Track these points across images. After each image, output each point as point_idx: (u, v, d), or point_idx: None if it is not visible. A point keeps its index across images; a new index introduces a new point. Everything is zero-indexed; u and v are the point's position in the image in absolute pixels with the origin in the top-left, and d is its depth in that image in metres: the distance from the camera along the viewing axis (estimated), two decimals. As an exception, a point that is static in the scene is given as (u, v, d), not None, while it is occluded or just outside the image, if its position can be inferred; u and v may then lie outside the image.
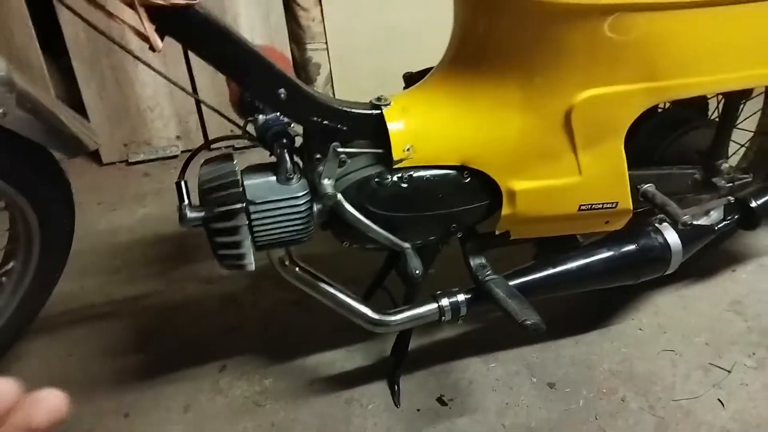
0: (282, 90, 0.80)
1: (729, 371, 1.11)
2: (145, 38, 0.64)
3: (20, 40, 1.72)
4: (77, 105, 1.77)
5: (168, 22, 0.68)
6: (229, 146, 1.81)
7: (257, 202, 0.84)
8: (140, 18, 0.62)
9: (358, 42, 2.00)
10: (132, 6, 0.62)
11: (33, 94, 0.81)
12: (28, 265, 1.02)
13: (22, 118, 0.79)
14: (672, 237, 1.04)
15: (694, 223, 1.07)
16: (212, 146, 1.67)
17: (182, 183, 0.89)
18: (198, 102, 1.93)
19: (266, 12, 1.89)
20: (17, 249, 1.01)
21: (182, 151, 1.97)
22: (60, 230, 1.01)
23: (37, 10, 1.74)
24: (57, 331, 1.25)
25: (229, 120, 0.97)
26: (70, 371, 1.16)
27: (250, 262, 0.87)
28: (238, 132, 0.98)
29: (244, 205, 0.84)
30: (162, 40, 0.66)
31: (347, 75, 2.03)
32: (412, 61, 1.10)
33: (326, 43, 1.98)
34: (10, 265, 1.02)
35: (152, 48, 0.64)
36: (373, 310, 0.99)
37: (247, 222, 0.85)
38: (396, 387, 1.09)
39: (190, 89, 1.89)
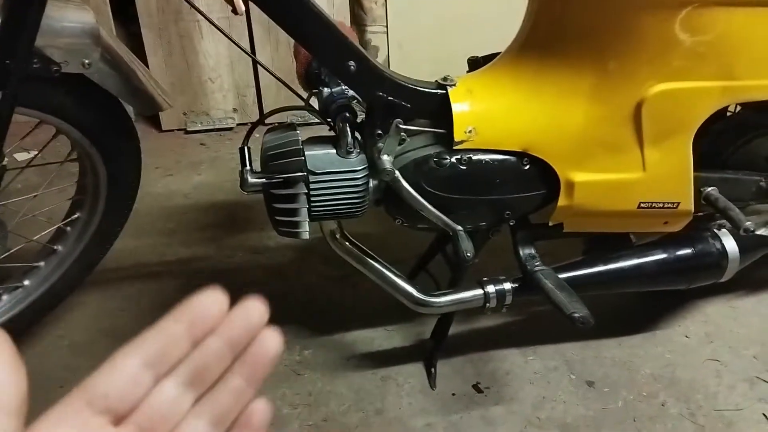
0: (352, 62, 0.82)
1: (777, 387, 1.08)
2: (229, 1, 0.65)
3: (94, 3, 1.78)
4: (142, 71, 1.82)
5: (251, -14, 0.69)
6: (282, 121, 1.84)
7: (317, 172, 0.86)
8: (227, -20, 0.64)
9: (417, 28, 2.00)
10: (219, -32, 0.64)
11: (115, 48, 0.84)
12: (92, 216, 1.06)
13: (104, 71, 0.82)
14: (730, 244, 1.01)
15: (756, 232, 1.04)
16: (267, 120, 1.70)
17: (245, 149, 0.91)
18: (256, 76, 1.96)
19: (332, -8, 1.91)
20: (84, 200, 1.05)
21: (237, 124, 2.01)
22: (126, 185, 1.05)
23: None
24: (110, 287, 1.30)
25: (294, 91, 0.98)
26: (120, 327, 1.20)
27: (305, 231, 0.89)
28: (299, 104, 0.99)
29: (305, 174, 0.86)
30: (245, 4, 0.68)
31: (405, 60, 2.03)
32: (470, 50, 1.10)
33: (386, 26, 1.99)
34: (76, 215, 1.06)
35: (235, 11, 0.66)
36: (418, 290, 0.99)
37: (306, 191, 0.87)
38: (433, 370, 1.10)
39: (251, 64, 1.93)
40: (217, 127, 1.99)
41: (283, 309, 1.25)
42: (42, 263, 1.09)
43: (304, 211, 0.88)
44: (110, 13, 1.81)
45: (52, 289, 1.11)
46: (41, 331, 1.17)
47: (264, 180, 0.87)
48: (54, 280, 1.10)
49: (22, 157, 1.50)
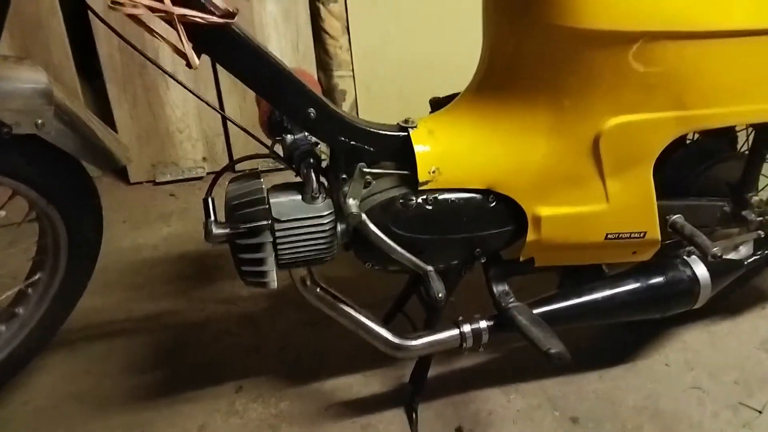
0: (312, 109, 0.82)
1: (760, 411, 1.07)
2: (182, 55, 0.65)
3: (57, 60, 1.77)
4: (108, 125, 1.81)
5: (205, 40, 0.70)
6: (254, 168, 1.83)
7: (282, 219, 0.85)
8: (179, 35, 0.64)
9: (383, 70, 2.03)
10: (171, 23, 0.64)
11: (70, 107, 0.83)
12: (54, 277, 1.02)
13: (58, 129, 0.81)
14: (701, 270, 1.02)
15: (724, 257, 1.05)
16: (237, 167, 1.69)
17: (209, 200, 0.90)
18: (225, 125, 1.96)
19: (296, 39, 1.93)
20: (44, 261, 1.02)
21: (208, 173, 1.99)
22: (88, 244, 1.02)
23: (75, 31, 1.80)
24: (76, 347, 1.25)
25: (257, 139, 0.98)
26: (88, 387, 1.16)
27: (273, 280, 0.87)
28: (264, 152, 0.99)
29: (270, 222, 0.84)
30: (198, 57, 0.68)
31: (373, 102, 2.06)
32: (436, 90, 1.11)
33: (353, 70, 2.01)
34: (37, 276, 1.03)
35: (189, 65, 0.66)
36: (394, 334, 0.97)
37: (272, 239, 0.85)
38: (414, 415, 1.07)
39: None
40: (186, 177, 1.97)
41: (258, 360, 1.22)
42: (2, 327, 1.05)
43: (271, 260, 0.86)
44: (74, 68, 1.81)
45: (14, 354, 1.06)
46: (4, 397, 1.12)
47: (228, 230, 0.86)
48: (16, 344, 1.06)
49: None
